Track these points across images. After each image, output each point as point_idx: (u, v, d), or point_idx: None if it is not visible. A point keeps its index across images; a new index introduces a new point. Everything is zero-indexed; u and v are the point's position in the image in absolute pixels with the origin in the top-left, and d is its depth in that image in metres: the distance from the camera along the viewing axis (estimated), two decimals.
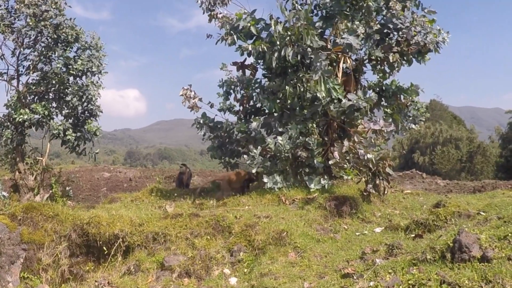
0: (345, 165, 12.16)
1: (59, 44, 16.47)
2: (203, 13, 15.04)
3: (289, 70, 13.56)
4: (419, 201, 13.56)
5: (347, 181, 13.69)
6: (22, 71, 16.84)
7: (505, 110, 56.27)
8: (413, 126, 16.02)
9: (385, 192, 12.33)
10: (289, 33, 12.76)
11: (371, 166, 11.80)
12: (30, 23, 15.76)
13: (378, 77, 15.44)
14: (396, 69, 14.85)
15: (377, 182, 12.07)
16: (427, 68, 14.73)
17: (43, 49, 16.38)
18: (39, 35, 16.31)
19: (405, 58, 14.63)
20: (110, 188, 24.33)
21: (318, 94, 12.68)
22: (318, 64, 12.61)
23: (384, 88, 15.25)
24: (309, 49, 12.80)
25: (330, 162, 12.39)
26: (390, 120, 14.94)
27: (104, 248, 10.11)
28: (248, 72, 15.33)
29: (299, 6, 13.21)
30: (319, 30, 13.90)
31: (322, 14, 14.41)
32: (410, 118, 15.91)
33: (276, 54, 12.85)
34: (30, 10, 15.65)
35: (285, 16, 13.10)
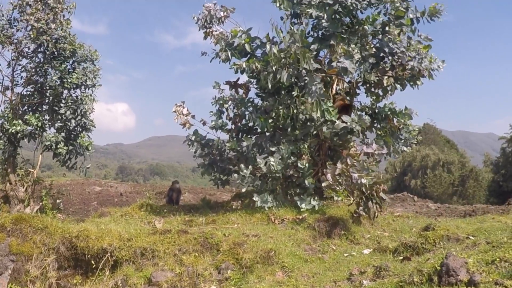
0: (338, 188, 12.19)
1: (56, 57, 16.52)
2: (199, 30, 15.17)
3: (283, 91, 13.64)
4: (409, 224, 13.58)
5: (337, 202, 13.72)
6: (17, 81, 16.85)
7: (498, 136, 56.53)
8: (405, 148, 16.07)
9: (376, 216, 12.36)
10: (283, 55, 12.84)
11: (364, 190, 11.82)
12: (32, 35, 15.84)
13: (372, 99, 15.53)
14: (390, 92, 14.93)
15: (369, 205, 12.08)
16: (421, 91, 14.87)
17: (41, 61, 16.44)
18: (39, 47, 16.39)
19: (399, 82, 14.71)
20: (101, 202, 24.21)
21: (313, 115, 12.74)
22: (313, 87, 12.68)
23: (377, 110, 15.36)
24: (303, 71, 12.88)
25: (323, 184, 12.42)
26: (382, 142, 14.98)
27: (92, 262, 10.08)
28: (240, 91, 15.42)
29: (294, 28, 13.31)
30: (314, 53, 14.02)
31: (317, 35, 14.53)
32: (402, 141, 15.97)
33: (271, 76, 12.92)
34: (38, 24, 15.75)
35: (281, 38, 13.21)
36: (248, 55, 14.32)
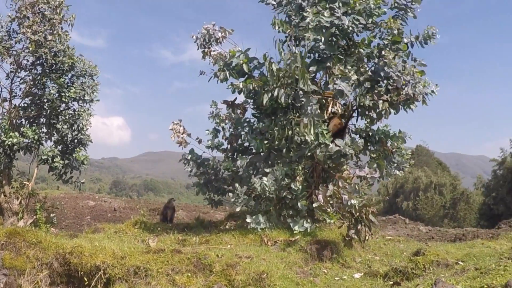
0: (329, 209, 12.29)
1: (54, 71, 16.65)
2: (197, 49, 15.32)
3: (279, 112, 13.79)
4: (400, 248, 13.66)
5: (330, 224, 13.81)
6: (16, 92, 16.95)
7: (489, 158, 56.81)
8: (397, 172, 16.18)
9: (366, 239, 12.47)
10: (282, 74, 13.01)
11: (353, 212, 11.93)
12: (30, 48, 15.95)
13: (366, 122, 15.68)
14: (384, 116, 15.06)
15: (359, 228, 12.20)
16: (414, 113, 14.93)
17: (39, 74, 16.55)
18: (37, 60, 16.52)
19: (393, 106, 14.83)
20: (94, 217, 24.17)
21: (307, 138, 12.88)
22: (309, 108, 12.85)
23: (371, 133, 15.50)
24: (300, 92, 13.05)
25: (314, 205, 12.53)
26: (375, 165, 15.11)
27: (85, 278, 10.13)
28: (238, 111, 15.56)
29: (295, 49, 13.50)
30: (312, 74, 14.21)
31: (314, 57, 14.71)
32: (395, 164, 16.08)
33: (268, 95, 13.09)
34: (35, 37, 15.87)
35: (281, 57, 13.38)
36: (246, 76, 14.48)
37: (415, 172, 60.06)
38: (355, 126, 15.98)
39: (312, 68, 14.21)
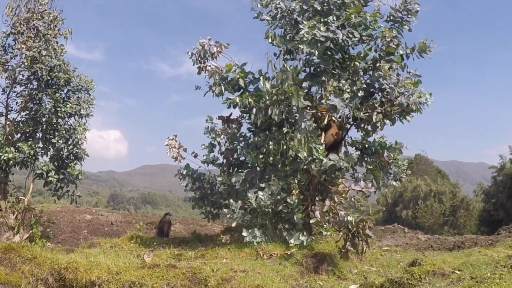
0: (325, 224, 12.30)
1: (50, 86, 16.71)
2: (193, 64, 15.33)
3: (274, 127, 13.81)
4: (396, 258, 13.64)
5: (326, 237, 13.80)
6: (12, 107, 17.01)
7: (489, 165, 56.88)
8: (394, 183, 16.18)
9: (364, 252, 12.46)
10: (275, 91, 13.04)
11: (350, 227, 11.93)
12: (26, 63, 16.02)
13: (362, 135, 15.70)
14: (379, 128, 15.07)
15: (356, 241, 12.19)
16: (413, 122, 14.94)
17: (35, 89, 16.62)
18: (33, 75, 16.58)
19: (388, 118, 14.84)
20: (91, 231, 24.19)
21: (299, 154, 12.90)
22: (302, 123, 12.87)
23: (367, 145, 15.53)
24: (294, 108, 13.08)
25: (311, 221, 12.55)
26: (372, 177, 15.11)
27: None
28: (232, 126, 15.58)
29: (287, 65, 13.52)
30: (306, 90, 14.25)
31: (310, 70, 14.75)
32: (391, 175, 16.09)
33: (262, 112, 13.11)
34: (30, 53, 15.94)
35: (274, 74, 13.42)
36: (242, 90, 14.51)
37: (414, 181, 60.14)
38: (351, 139, 16.02)
39: (305, 84, 14.22)
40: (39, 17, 16.42)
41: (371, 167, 15.70)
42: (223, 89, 14.39)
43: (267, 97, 13.08)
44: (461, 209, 57.84)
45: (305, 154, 12.83)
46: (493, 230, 33.96)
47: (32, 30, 16.39)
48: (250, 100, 13.48)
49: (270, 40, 14.48)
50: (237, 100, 13.74)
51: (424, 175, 65.05)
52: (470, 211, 57.64)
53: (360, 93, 14.34)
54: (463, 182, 75.10)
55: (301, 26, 13.96)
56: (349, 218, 11.76)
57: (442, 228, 55.62)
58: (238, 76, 14.34)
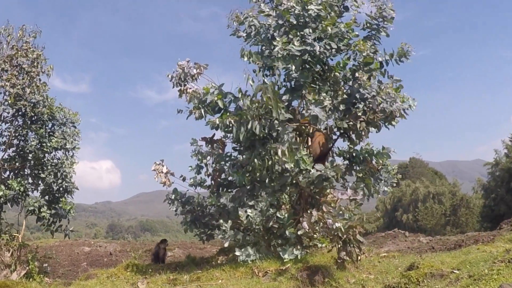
0: (315, 235, 12.25)
1: (34, 121, 16.74)
2: (173, 87, 15.30)
3: (257, 144, 13.79)
4: (395, 264, 13.56)
5: (321, 249, 13.74)
6: None
7: (484, 161, 57.09)
8: (386, 188, 16.14)
9: (359, 259, 12.39)
10: (255, 105, 13.06)
11: (340, 234, 11.87)
12: (9, 101, 16.04)
13: (348, 144, 15.70)
14: (364, 136, 15.05)
15: (349, 249, 12.13)
16: (404, 127, 14.99)
17: (19, 126, 16.63)
18: (17, 112, 16.60)
19: (371, 125, 14.82)
20: (90, 263, 24.08)
21: (286, 165, 12.86)
22: (285, 136, 12.87)
23: (354, 154, 15.51)
24: (276, 122, 13.09)
25: (299, 232, 12.51)
26: (362, 185, 15.08)
27: None
28: (217, 147, 15.59)
29: (265, 79, 13.56)
30: (286, 103, 14.26)
31: (290, 85, 14.77)
32: (382, 181, 16.06)
33: (243, 128, 13.11)
34: (14, 90, 15.96)
35: (253, 89, 13.45)
36: (222, 111, 14.50)
37: (412, 185, 60.21)
38: (338, 149, 16.00)
39: (285, 97, 14.24)
40: (24, 54, 16.48)
41: (361, 175, 15.69)
42: (203, 112, 14.37)
43: (248, 114, 13.07)
44: (462, 207, 57.90)
45: (292, 165, 12.80)
46: (495, 225, 33.91)
47: (15, 67, 16.44)
48: (230, 120, 13.47)
49: (246, 58, 14.51)
50: (217, 122, 13.72)
51: (420, 177, 65.14)
52: (471, 209, 57.72)
53: (342, 104, 14.37)
54: (461, 180, 75.24)
55: (274, 43, 14.02)
56: (337, 225, 11.72)
57: (445, 228, 55.64)
58: (216, 98, 14.31)
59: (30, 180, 17.09)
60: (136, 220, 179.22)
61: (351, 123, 14.51)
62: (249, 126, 13.00)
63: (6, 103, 16.27)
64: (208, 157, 15.62)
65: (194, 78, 15.32)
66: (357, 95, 14.31)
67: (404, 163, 70.42)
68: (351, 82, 14.84)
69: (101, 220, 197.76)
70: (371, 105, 14.12)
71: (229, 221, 13.34)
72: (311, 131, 14.66)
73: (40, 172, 16.88)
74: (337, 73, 14.85)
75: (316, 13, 14.38)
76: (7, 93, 16.26)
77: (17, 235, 16.85)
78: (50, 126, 17.28)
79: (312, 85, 14.29)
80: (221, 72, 15.88)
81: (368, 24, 15.29)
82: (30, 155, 16.58)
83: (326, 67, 14.97)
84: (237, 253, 12.90)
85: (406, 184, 59.68)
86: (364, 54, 14.50)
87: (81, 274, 18.17)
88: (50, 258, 19.53)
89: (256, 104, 13.14)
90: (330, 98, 14.04)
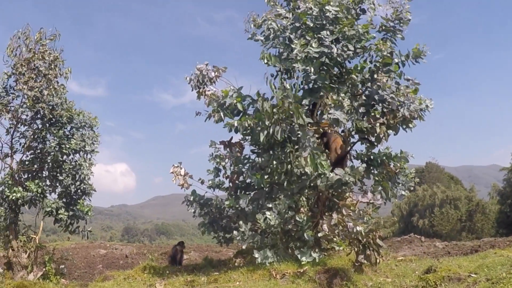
0: (335, 238, 12.24)
1: (53, 124, 16.88)
2: (192, 90, 15.42)
3: (276, 147, 13.79)
4: (412, 267, 13.50)
5: (339, 252, 13.71)
6: (16, 148, 17.16)
7: (500, 166, 56.59)
8: (403, 192, 16.07)
9: (377, 262, 12.35)
10: (276, 110, 13.05)
11: (360, 238, 11.86)
12: (27, 103, 16.20)
13: (366, 147, 15.63)
14: (383, 138, 14.98)
15: (368, 253, 12.10)
16: (420, 131, 14.95)
17: (39, 128, 16.79)
18: (36, 115, 16.76)
19: (391, 128, 14.74)
20: (106, 265, 24.17)
21: (306, 169, 12.85)
22: (306, 141, 12.85)
23: (372, 157, 15.46)
24: (296, 126, 13.08)
25: (319, 234, 12.50)
26: (380, 188, 15.01)
27: None
28: (235, 150, 15.63)
29: (286, 84, 13.55)
30: (306, 107, 14.26)
31: (308, 87, 14.75)
32: (400, 185, 15.98)
33: (264, 132, 13.10)
34: (31, 93, 16.12)
35: (274, 93, 13.44)
36: (241, 114, 14.53)
37: (429, 190, 59.77)
38: (356, 152, 15.96)
39: (305, 101, 14.22)
40: (40, 57, 16.61)
41: (379, 178, 15.61)
42: (222, 115, 14.42)
43: (267, 118, 13.08)
44: (478, 213, 57.29)
45: (311, 169, 12.80)
46: (511, 231, 33.62)
47: (33, 70, 16.57)
48: (249, 122, 13.49)
49: (265, 61, 14.51)
50: (236, 124, 13.75)
51: (436, 182, 64.63)
52: (487, 214, 57.12)
53: (361, 108, 14.33)
54: (476, 186, 74.46)
55: (293, 46, 14.03)
56: (358, 229, 11.71)
57: (460, 234, 55.09)
58: (235, 101, 14.36)
59: (48, 182, 17.21)
60: (151, 223, 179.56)
61: (369, 125, 14.45)
62: (271, 131, 12.99)
63: (25, 105, 16.43)
64: (226, 160, 15.69)
65: (212, 81, 15.39)
66: (376, 97, 14.28)
67: (421, 167, 69.85)
68: (369, 83, 14.81)
69: (116, 223, 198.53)
70: (390, 106, 14.06)
71: (248, 223, 13.35)
72: (329, 132, 14.64)
73: (58, 174, 17.01)
74: (354, 76, 14.80)
75: (334, 15, 14.37)
76: (25, 96, 16.42)
77: (34, 236, 16.98)
78: (69, 128, 17.41)
79: (331, 85, 14.25)
80: (237, 75, 15.90)
81: (383, 26, 15.23)
82: (49, 157, 16.70)
83: (344, 70, 14.93)
84: (256, 255, 12.89)
85: (424, 189, 59.24)
86: (384, 53, 14.43)
87: (97, 276, 18.28)
88: (66, 260, 19.69)
89: (277, 108, 13.11)
90: (348, 100, 14.00)
